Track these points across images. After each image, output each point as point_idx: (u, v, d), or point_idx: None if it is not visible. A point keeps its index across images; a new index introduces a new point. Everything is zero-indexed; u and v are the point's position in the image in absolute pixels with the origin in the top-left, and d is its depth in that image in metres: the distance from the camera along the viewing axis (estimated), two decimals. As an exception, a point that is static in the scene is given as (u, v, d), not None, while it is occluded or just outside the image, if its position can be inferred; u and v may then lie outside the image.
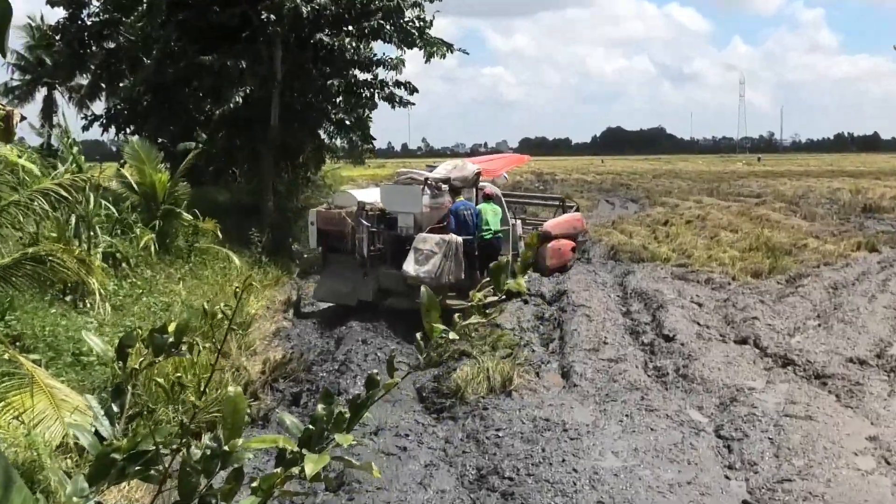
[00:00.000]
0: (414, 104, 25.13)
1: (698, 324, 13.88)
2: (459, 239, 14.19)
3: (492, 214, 15.21)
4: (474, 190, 15.96)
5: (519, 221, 17.49)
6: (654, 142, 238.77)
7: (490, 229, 15.01)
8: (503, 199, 16.69)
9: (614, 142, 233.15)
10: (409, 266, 14.13)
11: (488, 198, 15.52)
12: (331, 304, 16.37)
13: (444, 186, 15.50)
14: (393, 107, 24.88)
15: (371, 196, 16.32)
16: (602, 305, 15.10)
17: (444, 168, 16.43)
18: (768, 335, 13.32)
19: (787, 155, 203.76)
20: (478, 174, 16.01)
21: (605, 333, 13.31)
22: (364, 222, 15.35)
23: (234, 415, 1.82)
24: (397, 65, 24.37)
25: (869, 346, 12.73)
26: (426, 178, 15.38)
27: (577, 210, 21.12)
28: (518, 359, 11.65)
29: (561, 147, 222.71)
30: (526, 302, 15.20)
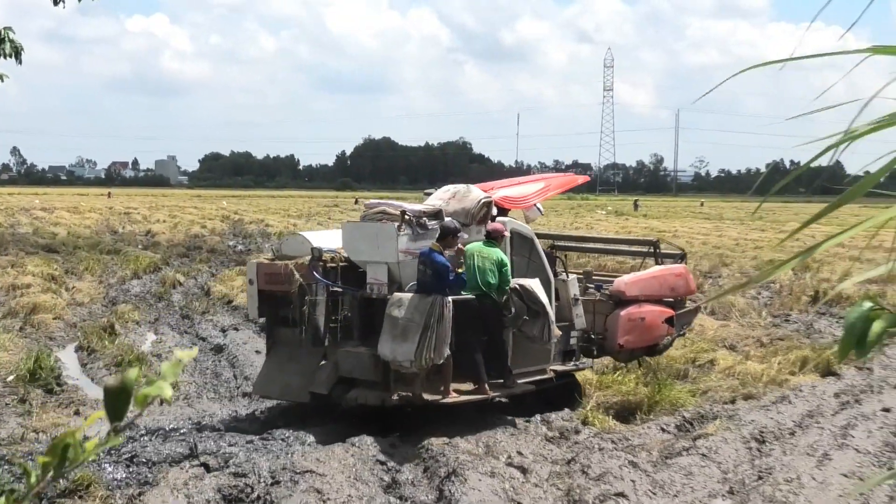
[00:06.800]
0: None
1: (518, 507, 9.26)
2: (449, 299, 11.23)
3: (479, 260, 11.80)
4: (483, 229, 12.45)
5: (572, 277, 13.27)
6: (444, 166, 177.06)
7: (478, 286, 11.66)
8: (536, 241, 13.02)
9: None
10: (385, 344, 11.12)
11: (489, 236, 12.09)
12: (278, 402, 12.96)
13: (432, 223, 12.05)
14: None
15: (333, 240, 12.85)
16: (347, 472, 9.58)
17: (440, 196, 13.03)
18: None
19: (686, 197, 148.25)
20: (485, 204, 12.41)
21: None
22: (320, 278, 11.95)
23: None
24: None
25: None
26: (403, 212, 12.03)
27: (684, 259, 15.19)
28: None
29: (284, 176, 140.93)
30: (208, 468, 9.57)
